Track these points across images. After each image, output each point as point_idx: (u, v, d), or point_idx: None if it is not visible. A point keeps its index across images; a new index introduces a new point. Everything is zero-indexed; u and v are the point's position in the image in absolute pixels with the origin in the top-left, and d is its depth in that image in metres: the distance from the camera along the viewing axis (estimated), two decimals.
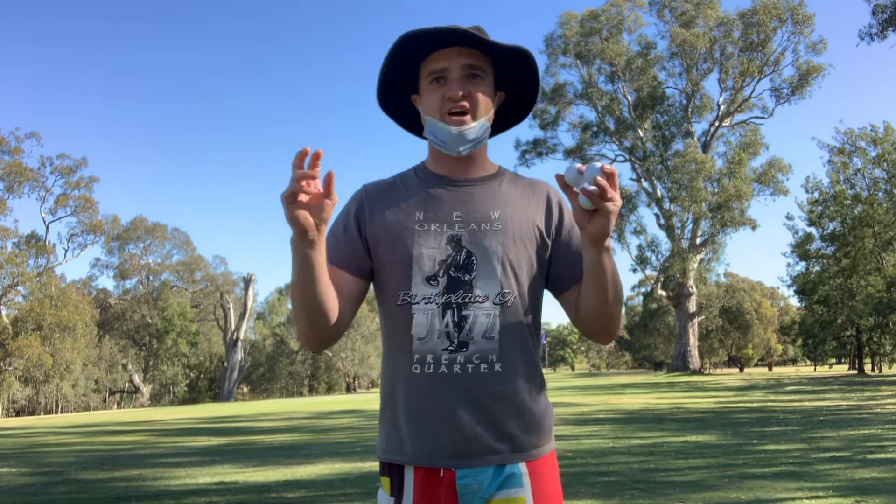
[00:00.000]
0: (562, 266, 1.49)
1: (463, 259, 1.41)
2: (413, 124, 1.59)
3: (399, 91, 1.53)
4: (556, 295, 1.52)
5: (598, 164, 1.25)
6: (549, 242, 1.49)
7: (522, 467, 1.39)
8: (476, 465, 1.36)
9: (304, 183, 1.20)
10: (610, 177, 1.24)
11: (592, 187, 1.23)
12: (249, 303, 47.92)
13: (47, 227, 43.88)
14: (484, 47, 1.44)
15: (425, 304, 1.39)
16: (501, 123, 1.59)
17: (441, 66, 1.43)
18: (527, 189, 1.52)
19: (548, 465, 1.43)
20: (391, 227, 1.44)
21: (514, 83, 1.54)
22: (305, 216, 1.23)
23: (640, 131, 40.88)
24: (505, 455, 1.37)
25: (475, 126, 1.43)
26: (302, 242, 1.26)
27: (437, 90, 1.43)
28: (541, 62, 31.26)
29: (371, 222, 1.46)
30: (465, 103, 1.42)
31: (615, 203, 1.25)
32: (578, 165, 1.27)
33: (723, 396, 19.42)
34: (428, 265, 1.40)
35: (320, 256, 1.29)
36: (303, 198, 1.22)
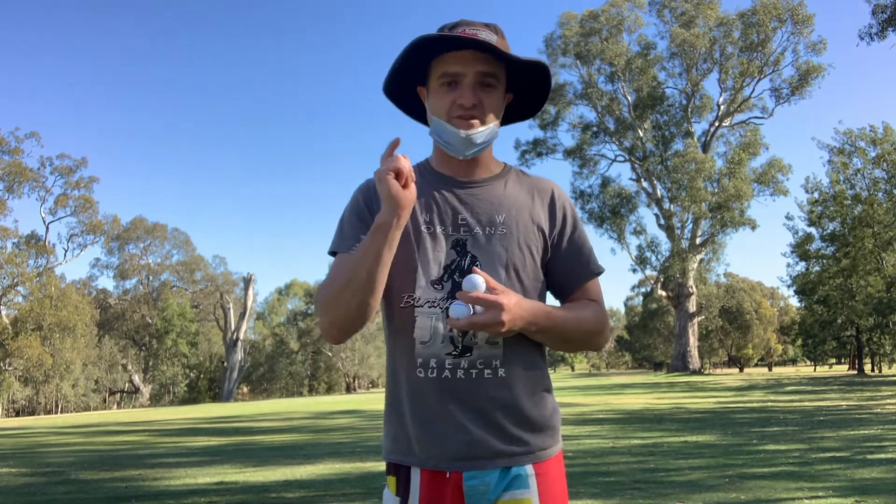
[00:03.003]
0: (560, 276, 1.50)
1: (468, 264, 1.40)
2: (415, 111, 1.57)
3: (405, 82, 1.50)
4: (558, 300, 1.54)
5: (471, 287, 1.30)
6: (551, 248, 1.48)
7: (529, 469, 1.39)
8: (483, 467, 1.36)
9: (402, 165, 1.26)
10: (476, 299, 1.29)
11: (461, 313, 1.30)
12: (249, 303, 47.95)
13: (47, 228, 43.98)
14: (504, 60, 1.41)
15: (429, 307, 1.38)
16: (504, 121, 1.57)
17: (455, 70, 1.39)
18: (532, 189, 1.51)
19: (554, 466, 1.44)
20: None
21: (524, 88, 1.52)
22: (407, 194, 1.28)
23: (639, 131, 40.87)
24: (512, 457, 1.37)
25: (483, 130, 1.41)
26: (400, 220, 1.30)
27: (449, 94, 1.40)
28: None
29: None
30: (476, 112, 1.40)
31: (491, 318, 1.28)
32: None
33: (723, 396, 19.42)
34: (433, 269, 1.40)
35: (398, 240, 1.33)
36: (399, 178, 1.27)
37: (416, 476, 1.38)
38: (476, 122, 1.40)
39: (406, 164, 1.27)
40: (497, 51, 1.37)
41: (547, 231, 1.47)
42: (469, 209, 1.44)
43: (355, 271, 1.32)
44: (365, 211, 1.45)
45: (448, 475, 1.35)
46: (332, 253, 1.45)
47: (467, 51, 1.39)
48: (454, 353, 1.37)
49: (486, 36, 1.39)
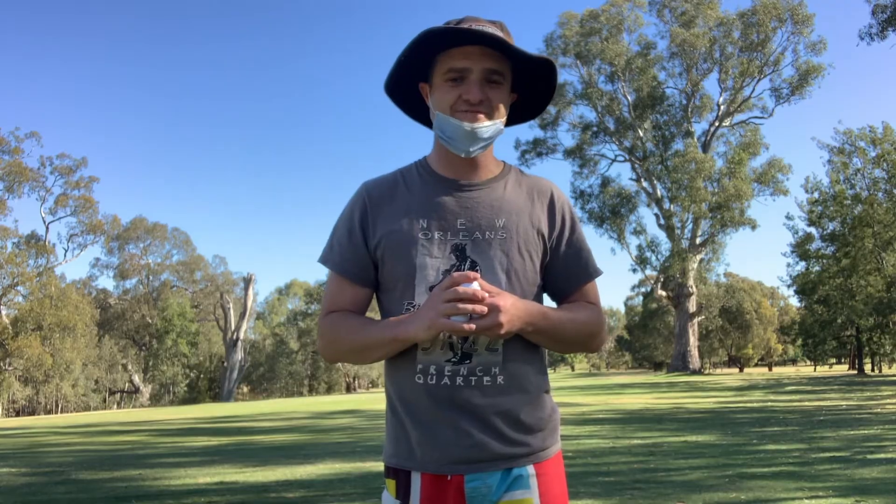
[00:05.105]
0: (559, 279, 1.50)
1: (467, 269, 1.38)
2: (414, 110, 1.55)
3: (407, 77, 1.46)
4: (555, 302, 1.54)
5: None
6: (550, 251, 1.47)
7: (530, 469, 1.39)
8: (485, 469, 1.35)
9: (470, 308, 1.26)
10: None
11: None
12: (249, 303, 47.94)
13: (47, 227, 43.95)
14: (512, 54, 1.38)
15: None
16: (507, 121, 1.53)
17: (462, 65, 1.36)
18: (532, 191, 1.48)
19: (554, 465, 1.44)
20: (395, 237, 1.40)
21: (529, 87, 1.49)
22: (447, 328, 1.28)
23: (640, 131, 40.87)
24: (513, 459, 1.37)
25: (489, 125, 1.38)
26: (425, 341, 1.34)
27: (455, 89, 1.37)
28: None
29: (375, 231, 1.43)
30: (482, 108, 1.37)
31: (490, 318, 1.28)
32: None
33: (723, 396, 19.42)
34: (432, 275, 1.38)
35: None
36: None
37: (416, 480, 1.37)
38: (482, 116, 1.37)
39: (480, 293, 1.28)
40: (506, 44, 1.34)
41: (546, 234, 1.46)
42: (468, 213, 1.41)
43: (361, 353, 1.42)
44: (357, 227, 1.44)
45: (449, 478, 1.35)
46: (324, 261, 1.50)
47: (474, 46, 1.36)
48: (454, 359, 1.36)
49: (493, 32, 1.36)
